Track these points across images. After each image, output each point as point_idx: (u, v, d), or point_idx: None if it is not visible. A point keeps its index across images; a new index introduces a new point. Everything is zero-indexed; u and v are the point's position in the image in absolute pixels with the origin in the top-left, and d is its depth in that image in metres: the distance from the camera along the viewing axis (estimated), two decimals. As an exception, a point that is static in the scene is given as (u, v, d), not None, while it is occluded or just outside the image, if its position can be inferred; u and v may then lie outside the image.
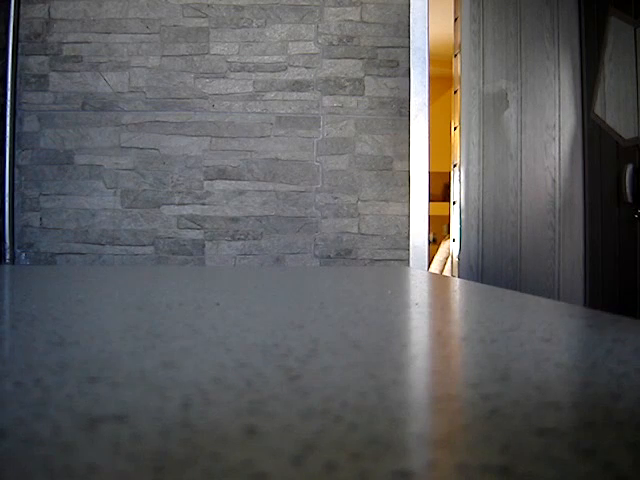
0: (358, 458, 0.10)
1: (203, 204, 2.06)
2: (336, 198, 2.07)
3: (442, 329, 0.27)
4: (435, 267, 3.77)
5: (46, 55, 2.05)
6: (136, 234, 2.05)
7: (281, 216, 2.06)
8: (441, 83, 4.16)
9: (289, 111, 2.07)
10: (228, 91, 2.07)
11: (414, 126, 2.07)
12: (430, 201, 2.11)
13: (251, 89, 2.07)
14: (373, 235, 2.07)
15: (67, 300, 0.38)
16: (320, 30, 2.09)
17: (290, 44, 2.08)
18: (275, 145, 2.07)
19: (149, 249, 2.04)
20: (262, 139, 2.07)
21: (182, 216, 2.05)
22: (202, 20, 2.07)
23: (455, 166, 2.26)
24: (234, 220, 2.06)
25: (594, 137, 2.11)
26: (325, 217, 2.07)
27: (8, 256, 1.99)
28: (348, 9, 2.09)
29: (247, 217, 2.06)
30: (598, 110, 2.08)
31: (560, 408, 0.14)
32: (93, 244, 2.04)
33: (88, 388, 0.15)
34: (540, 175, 2.17)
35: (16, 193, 2.03)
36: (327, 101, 2.08)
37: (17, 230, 2.03)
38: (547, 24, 2.19)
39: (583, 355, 0.21)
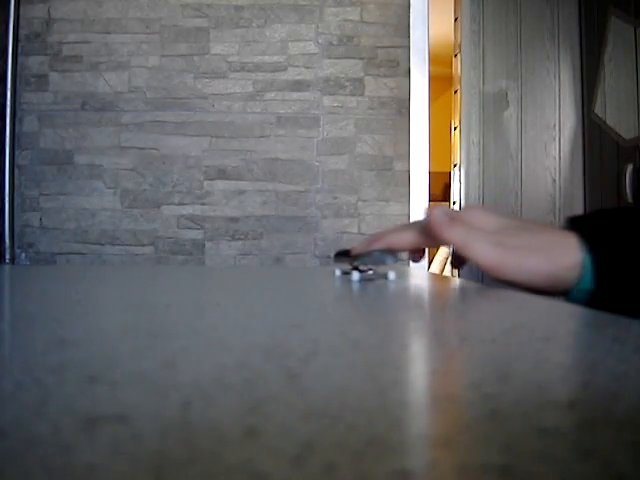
0: (358, 458, 0.10)
1: (203, 204, 2.06)
2: (336, 198, 2.07)
3: (442, 329, 0.27)
4: (435, 267, 3.78)
5: (46, 55, 2.05)
6: (136, 234, 2.05)
7: (281, 216, 2.06)
8: (441, 83, 4.16)
9: (289, 111, 2.08)
10: (228, 91, 2.07)
11: (414, 126, 2.07)
12: (430, 201, 2.11)
13: (251, 89, 2.08)
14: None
15: (67, 300, 0.38)
16: (320, 30, 2.09)
17: (290, 44, 2.08)
18: (275, 145, 2.07)
19: (149, 249, 2.05)
20: (262, 139, 2.07)
21: (182, 216, 2.05)
22: (202, 20, 2.08)
23: (455, 166, 2.26)
24: (234, 220, 2.06)
25: (594, 137, 2.11)
26: (325, 217, 2.07)
27: (8, 256, 1.99)
28: (348, 9, 2.09)
29: (247, 217, 2.06)
30: (598, 110, 2.09)
31: (560, 408, 0.14)
32: (93, 244, 2.04)
33: (88, 388, 0.15)
34: (540, 175, 2.17)
35: (16, 193, 2.03)
36: (327, 101, 2.08)
37: (17, 230, 2.03)
38: (547, 24, 2.19)
39: (583, 355, 0.21)
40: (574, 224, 0.47)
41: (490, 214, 0.48)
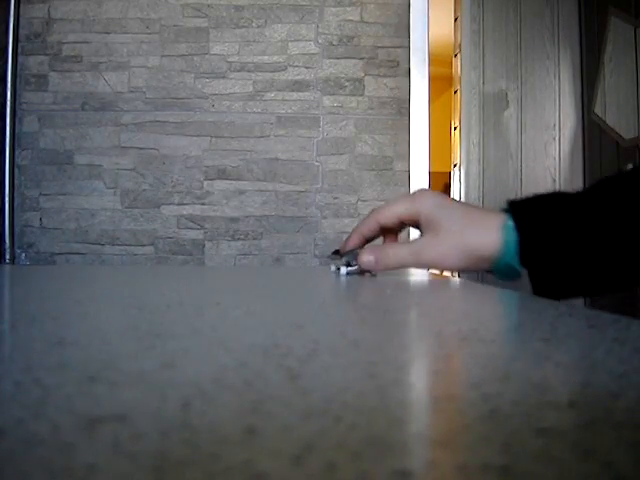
0: (358, 458, 0.10)
1: (203, 204, 2.06)
2: (336, 198, 2.07)
3: (442, 329, 0.27)
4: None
5: (46, 55, 2.05)
6: (136, 234, 2.05)
7: (281, 216, 2.06)
8: (441, 83, 4.16)
9: (289, 111, 2.07)
10: (228, 91, 2.07)
11: (414, 126, 2.07)
12: (430, 201, 2.10)
13: (251, 89, 2.07)
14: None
15: (67, 300, 0.38)
16: (320, 30, 2.09)
17: (290, 44, 2.08)
18: (275, 145, 2.07)
19: (149, 249, 2.04)
20: (262, 139, 2.07)
21: (182, 216, 2.05)
22: (202, 20, 2.08)
23: (455, 166, 2.26)
24: (234, 220, 2.06)
25: (594, 137, 2.11)
26: (325, 217, 2.07)
27: (8, 256, 1.99)
28: (348, 9, 2.09)
29: (247, 217, 2.06)
30: (598, 110, 2.08)
31: (560, 408, 0.14)
32: (93, 244, 2.04)
33: (88, 388, 0.15)
34: (540, 175, 2.17)
35: (16, 193, 2.03)
36: (327, 101, 2.08)
37: (17, 230, 2.03)
38: (547, 24, 2.19)
39: (583, 355, 0.21)
40: (510, 206, 0.53)
41: (437, 196, 0.59)
